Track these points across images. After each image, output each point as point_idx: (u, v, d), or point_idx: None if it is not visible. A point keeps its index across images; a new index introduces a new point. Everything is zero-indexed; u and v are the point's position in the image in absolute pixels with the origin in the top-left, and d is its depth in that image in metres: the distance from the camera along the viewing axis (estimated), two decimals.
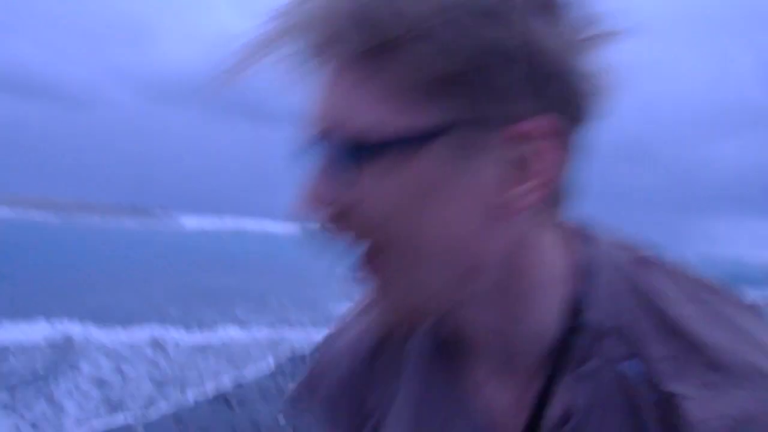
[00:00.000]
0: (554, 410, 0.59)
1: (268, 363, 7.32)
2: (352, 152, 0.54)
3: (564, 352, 0.60)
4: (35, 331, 8.16)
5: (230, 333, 9.34)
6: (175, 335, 8.73)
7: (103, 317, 8.84)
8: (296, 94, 0.59)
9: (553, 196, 0.58)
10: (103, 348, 7.67)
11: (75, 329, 8.38)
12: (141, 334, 8.56)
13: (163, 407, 5.57)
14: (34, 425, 5.02)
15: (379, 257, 0.57)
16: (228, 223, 69.51)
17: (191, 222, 66.74)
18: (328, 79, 0.56)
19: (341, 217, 0.56)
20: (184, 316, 9.90)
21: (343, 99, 0.55)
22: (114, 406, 5.58)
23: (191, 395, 5.83)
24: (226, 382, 6.39)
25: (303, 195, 0.57)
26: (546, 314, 0.61)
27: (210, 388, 6.09)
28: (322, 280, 12.81)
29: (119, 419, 5.22)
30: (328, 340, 0.80)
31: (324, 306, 11.81)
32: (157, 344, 8.13)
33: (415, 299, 0.59)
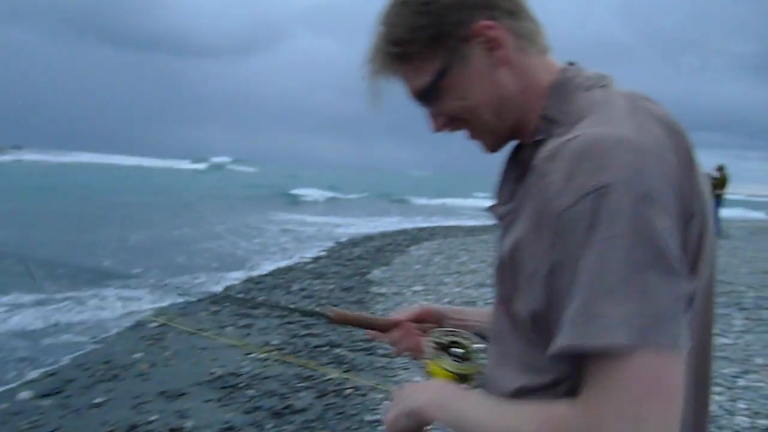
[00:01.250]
0: (523, 158, 1.02)
1: None
2: (429, 98, 1.04)
3: (534, 131, 1.00)
4: None
5: None
6: None
7: None
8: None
9: (521, 44, 1.00)
10: None
11: None
12: None
13: None
14: None
15: (471, 126, 1.05)
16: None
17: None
18: (400, 76, 1.04)
19: (447, 122, 1.06)
20: None
21: (408, 84, 1.04)
22: None
23: None
24: None
25: (430, 123, 1.07)
26: (535, 111, 1.01)
27: None
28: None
29: None
30: None
31: None
32: None
33: (494, 135, 1.05)
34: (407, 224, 19.20)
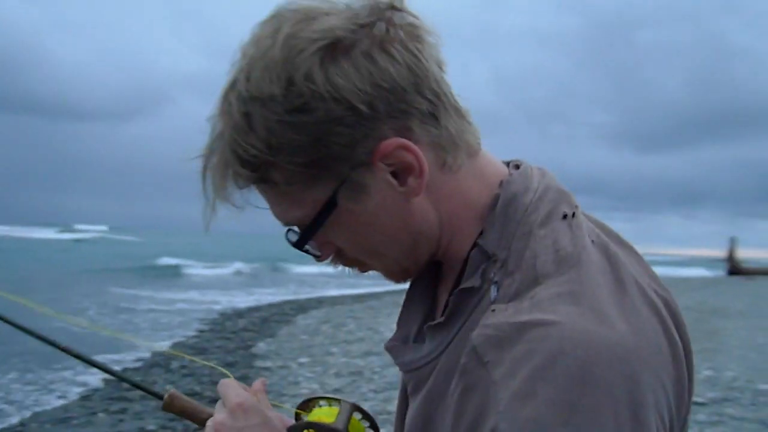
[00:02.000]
0: (444, 310, 0.75)
1: None
2: (307, 233, 0.76)
3: (465, 267, 0.75)
4: None
5: None
6: None
7: None
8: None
9: (444, 157, 0.74)
10: None
11: None
12: None
13: None
14: None
15: (369, 266, 0.81)
16: None
17: None
18: (259, 193, 0.76)
19: (336, 256, 0.80)
20: None
21: (273, 208, 0.77)
22: None
23: None
24: None
25: (312, 251, 0.79)
26: (467, 238, 0.76)
27: None
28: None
29: None
30: None
31: None
32: None
33: (395, 270, 0.81)
34: (287, 296, 18.83)
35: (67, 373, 7.49)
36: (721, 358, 8.11)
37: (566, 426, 0.56)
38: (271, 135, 0.68)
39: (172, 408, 1.05)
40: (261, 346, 9.27)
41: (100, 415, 5.90)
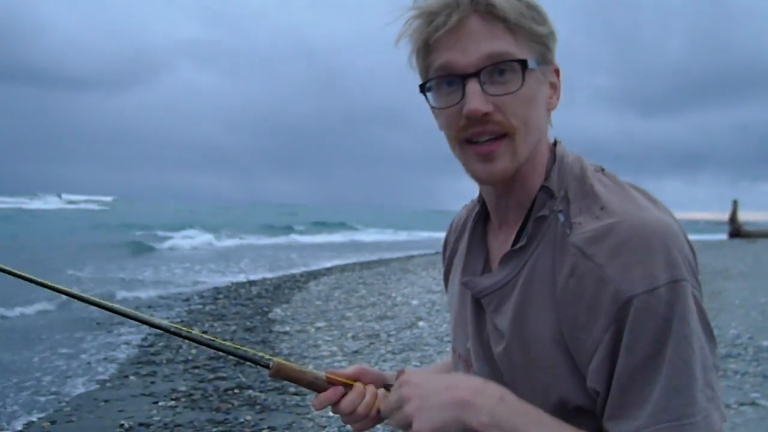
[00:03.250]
0: (521, 238, 1.02)
1: None
2: (498, 72, 0.95)
3: (533, 205, 1.02)
4: None
5: None
6: None
7: None
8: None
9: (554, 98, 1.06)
10: None
11: None
12: None
13: None
14: None
15: (505, 138, 0.97)
16: None
17: None
18: (469, 30, 0.94)
19: (488, 116, 0.95)
20: None
21: (482, 38, 0.94)
22: None
23: None
24: None
25: (466, 106, 0.95)
26: (538, 177, 1.03)
27: None
28: None
29: None
30: (464, 206, 1.31)
31: None
32: None
33: (515, 161, 0.99)
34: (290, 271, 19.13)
35: (95, 342, 7.75)
36: (725, 317, 8.36)
37: (663, 268, 0.87)
38: (541, 8, 1.00)
39: (279, 375, 1.11)
40: (277, 312, 9.55)
41: (132, 378, 6.16)
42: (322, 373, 1.14)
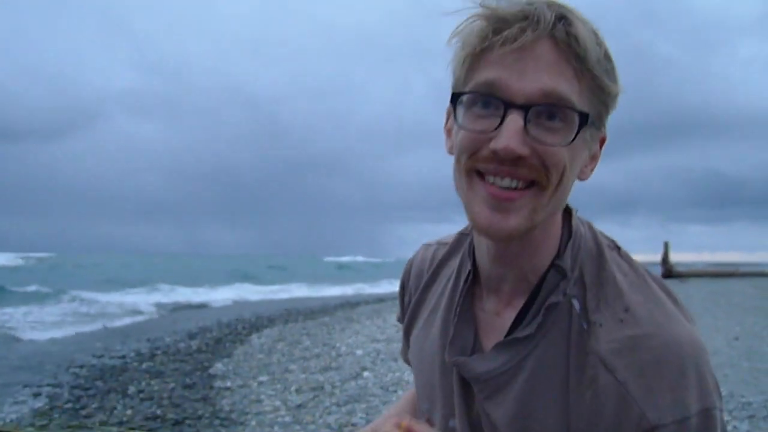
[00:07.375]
0: (526, 322, 0.90)
1: None
2: (553, 113, 0.80)
3: (540, 284, 0.90)
4: None
5: None
6: None
7: None
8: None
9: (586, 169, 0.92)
10: None
11: None
12: None
13: None
14: None
15: (532, 188, 0.82)
16: None
17: None
18: (536, 54, 0.79)
19: (522, 159, 0.80)
20: None
21: (547, 70, 0.79)
22: None
23: None
24: None
25: (500, 141, 0.79)
26: (549, 250, 0.91)
27: None
28: None
29: None
30: (424, 246, 1.20)
31: None
32: None
33: (532, 220, 0.84)
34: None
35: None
36: None
37: (695, 396, 0.79)
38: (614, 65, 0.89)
39: None
40: (218, 367, 9.23)
41: None
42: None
